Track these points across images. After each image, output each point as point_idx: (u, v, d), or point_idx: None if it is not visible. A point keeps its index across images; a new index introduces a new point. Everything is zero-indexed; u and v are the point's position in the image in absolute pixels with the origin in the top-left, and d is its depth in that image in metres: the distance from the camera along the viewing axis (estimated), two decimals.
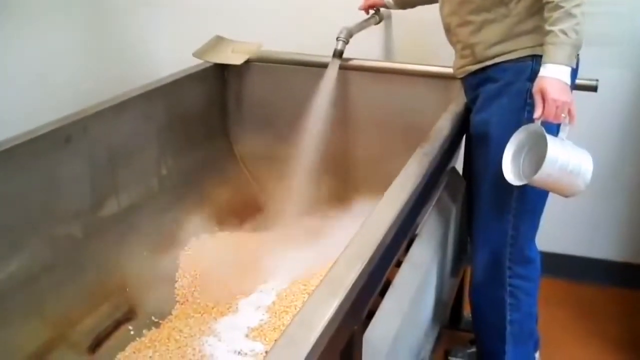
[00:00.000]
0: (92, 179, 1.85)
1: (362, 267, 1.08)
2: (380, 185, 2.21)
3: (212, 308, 1.89)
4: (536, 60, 1.62)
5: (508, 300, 1.84)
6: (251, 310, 1.86)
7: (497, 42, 1.68)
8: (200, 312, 1.87)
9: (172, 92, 2.16)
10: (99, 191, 1.88)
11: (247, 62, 2.33)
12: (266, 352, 0.85)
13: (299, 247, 2.15)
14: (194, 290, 1.96)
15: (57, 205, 1.74)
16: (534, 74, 1.61)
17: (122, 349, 1.75)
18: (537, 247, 1.87)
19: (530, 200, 1.76)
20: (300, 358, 0.84)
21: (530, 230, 1.84)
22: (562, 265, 2.50)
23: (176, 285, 2.00)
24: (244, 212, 2.34)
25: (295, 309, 1.75)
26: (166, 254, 2.06)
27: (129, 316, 1.85)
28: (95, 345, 1.75)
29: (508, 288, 1.84)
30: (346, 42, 2.12)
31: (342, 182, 2.10)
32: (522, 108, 1.66)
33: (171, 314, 1.89)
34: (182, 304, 1.92)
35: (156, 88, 2.11)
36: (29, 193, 1.65)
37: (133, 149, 2.00)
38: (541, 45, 1.58)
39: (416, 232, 1.70)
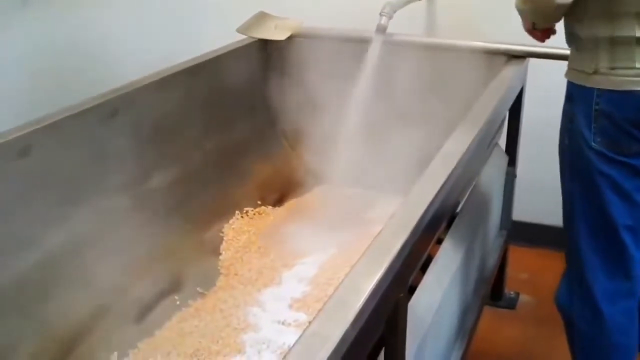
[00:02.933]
0: (138, 152, 1.87)
1: (406, 238, 1.09)
2: (423, 162, 2.21)
3: (256, 280, 1.91)
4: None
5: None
6: (294, 282, 1.89)
7: None
8: (244, 284, 1.90)
9: (215, 68, 2.19)
10: (144, 165, 1.90)
11: (290, 37, 2.34)
12: (310, 322, 0.88)
13: (341, 221, 2.16)
14: (238, 263, 1.99)
15: (103, 178, 1.77)
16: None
17: (169, 318, 1.78)
18: (614, 305, 1.62)
19: (568, 230, 1.67)
20: (347, 321, 0.85)
21: (575, 270, 1.66)
22: None
23: (220, 257, 2.03)
24: (286, 186, 2.36)
25: (338, 280, 1.76)
26: (210, 227, 2.10)
27: (174, 287, 1.87)
28: (142, 315, 1.78)
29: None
30: (390, 18, 2.12)
31: (384, 158, 2.10)
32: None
33: (216, 285, 1.92)
34: (226, 276, 1.95)
35: (200, 63, 2.13)
36: (76, 165, 1.68)
37: (177, 123, 2.02)
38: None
39: (457, 209, 1.71)
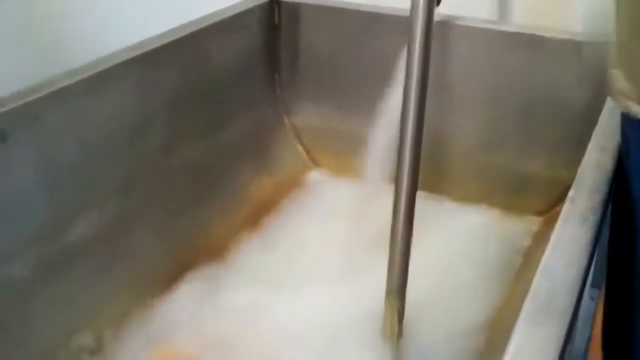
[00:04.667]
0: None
1: None
2: (482, 180, 1.76)
3: None
4: None
5: None
6: None
7: None
8: None
9: (208, 41, 1.65)
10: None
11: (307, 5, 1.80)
12: None
13: (360, 249, 1.67)
14: None
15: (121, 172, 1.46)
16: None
17: None
18: None
19: None
20: None
21: None
22: None
23: None
24: (297, 197, 1.85)
25: None
26: None
27: None
28: None
29: None
30: None
31: (428, 171, 1.59)
32: None
33: None
34: None
35: (191, 33, 1.58)
36: (102, 163, 1.40)
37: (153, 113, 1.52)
38: None
39: None
